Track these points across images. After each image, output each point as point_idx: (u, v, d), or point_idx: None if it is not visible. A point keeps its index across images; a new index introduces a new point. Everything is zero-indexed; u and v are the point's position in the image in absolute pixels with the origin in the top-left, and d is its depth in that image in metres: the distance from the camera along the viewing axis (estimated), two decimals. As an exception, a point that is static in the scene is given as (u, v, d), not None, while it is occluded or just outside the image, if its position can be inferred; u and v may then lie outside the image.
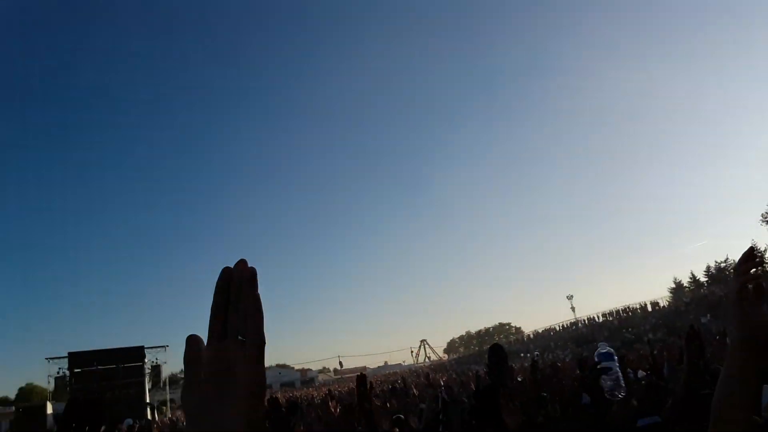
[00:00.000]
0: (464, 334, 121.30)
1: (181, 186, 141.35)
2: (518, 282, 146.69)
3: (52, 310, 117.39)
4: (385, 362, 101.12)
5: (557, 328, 56.15)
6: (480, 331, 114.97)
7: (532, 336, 62.29)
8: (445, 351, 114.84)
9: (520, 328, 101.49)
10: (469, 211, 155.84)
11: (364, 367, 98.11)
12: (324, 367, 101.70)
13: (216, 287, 0.65)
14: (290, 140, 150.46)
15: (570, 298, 58.39)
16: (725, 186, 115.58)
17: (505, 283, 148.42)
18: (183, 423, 21.53)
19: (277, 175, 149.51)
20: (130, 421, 28.27)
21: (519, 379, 7.06)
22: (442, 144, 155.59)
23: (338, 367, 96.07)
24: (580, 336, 45.88)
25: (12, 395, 75.49)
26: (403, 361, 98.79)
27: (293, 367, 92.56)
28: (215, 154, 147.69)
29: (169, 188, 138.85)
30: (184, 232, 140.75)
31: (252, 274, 0.65)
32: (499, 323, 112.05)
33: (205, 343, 0.63)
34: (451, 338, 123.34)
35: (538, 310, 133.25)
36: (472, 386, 6.84)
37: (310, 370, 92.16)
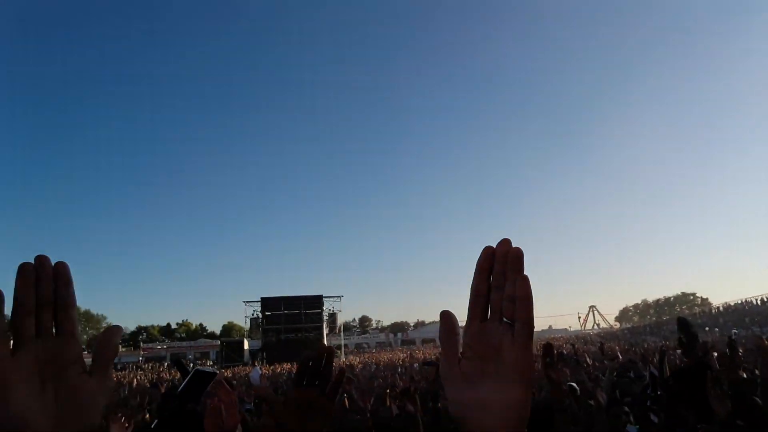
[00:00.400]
0: (640, 302, 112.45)
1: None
2: (708, 247, 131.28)
3: (249, 259, 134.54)
4: (550, 326, 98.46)
5: (755, 302, 48.96)
6: (658, 300, 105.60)
7: (721, 309, 55.41)
8: (617, 319, 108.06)
9: (707, 299, 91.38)
10: (652, 165, 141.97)
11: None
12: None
13: (477, 267, 0.63)
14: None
15: (773, 268, 50.57)
16: None
17: (690, 248, 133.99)
18: (358, 368, 23.67)
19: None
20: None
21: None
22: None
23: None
24: (785, 313, 39.75)
25: (217, 331, 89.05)
26: (569, 327, 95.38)
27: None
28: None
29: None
30: (368, 197, 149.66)
31: (518, 255, 0.64)
32: (682, 293, 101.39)
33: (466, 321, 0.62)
34: (624, 306, 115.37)
35: (731, 279, 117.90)
36: (654, 361, 6.29)
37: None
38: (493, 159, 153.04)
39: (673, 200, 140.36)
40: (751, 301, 49.63)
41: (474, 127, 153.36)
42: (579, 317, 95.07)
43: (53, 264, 0.60)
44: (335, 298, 50.49)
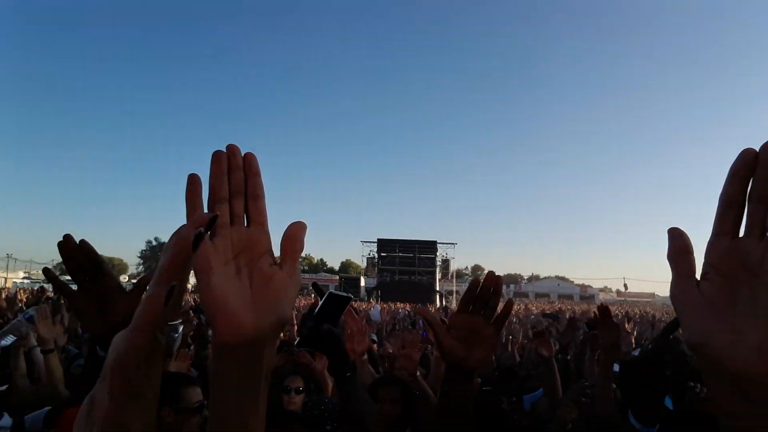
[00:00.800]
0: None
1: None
2: None
3: (367, 202, 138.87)
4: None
5: None
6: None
7: None
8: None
9: None
10: None
11: (652, 294, 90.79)
12: (606, 287, 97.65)
13: (731, 172, 0.53)
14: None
15: None
16: None
17: None
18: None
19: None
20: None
21: None
22: None
23: (622, 289, 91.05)
24: None
25: (336, 266, 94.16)
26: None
27: (572, 281, 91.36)
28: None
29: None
30: (480, 149, 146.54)
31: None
32: None
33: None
34: None
35: None
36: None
37: (591, 287, 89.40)
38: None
39: None
40: None
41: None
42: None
43: (243, 154, 0.60)
44: (449, 245, 50.85)
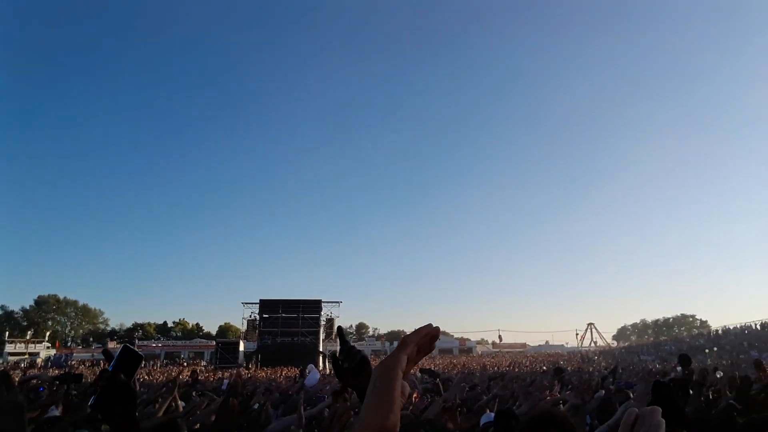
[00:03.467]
0: (638, 321, 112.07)
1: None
2: (710, 269, 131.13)
3: (248, 261, 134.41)
4: (546, 341, 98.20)
5: (754, 326, 48.66)
6: (657, 320, 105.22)
7: (720, 332, 55.02)
8: (614, 337, 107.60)
9: (706, 321, 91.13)
10: (654, 186, 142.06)
11: (524, 344, 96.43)
12: (483, 339, 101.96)
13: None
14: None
15: (774, 294, 50.30)
16: None
17: (693, 269, 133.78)
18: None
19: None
20: (311, 366, 31.63)
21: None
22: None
23: (497, 341, 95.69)
24: (784, 339, 39.55)
25: (214, 331, 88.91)
26: (566, 343, 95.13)
27: (452, 335, 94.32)
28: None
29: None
30: (360, 206, 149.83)
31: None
32: (681, 314, 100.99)
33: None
34: (622, 324, 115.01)
35: (732, 303, 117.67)
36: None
37: (469, 339, 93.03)
38: (497, 174, 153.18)
39: (677, 222, 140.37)
40: (750, 326, 49.33)
41: (482, 142, 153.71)
42: (577, 334, 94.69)
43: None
44: (334, 304, 50.29)
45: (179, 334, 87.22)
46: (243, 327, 51.30)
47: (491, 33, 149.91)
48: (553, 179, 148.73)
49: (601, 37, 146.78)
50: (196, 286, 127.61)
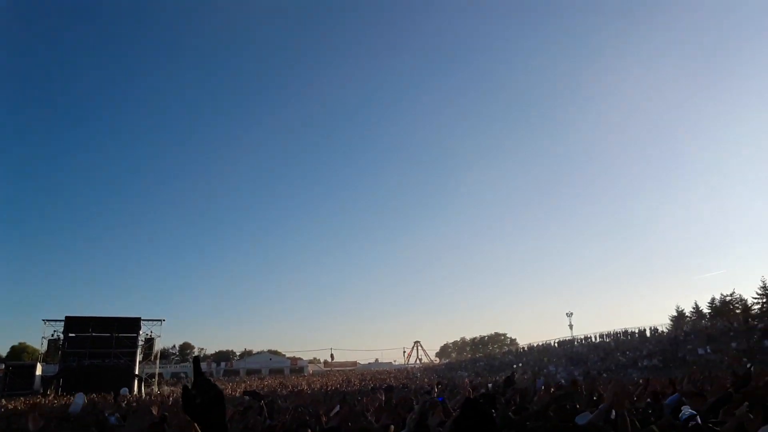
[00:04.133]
0: (459, 339, 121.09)
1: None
2: (518, 294, 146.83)
3: (51, 274, 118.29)
4: (376, 359, 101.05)
5: (553, 344, 55.58)
6: (474, 338, 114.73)
7: (526, 349, 61.79)
8: (437, 354, 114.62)
9: (515, 339, 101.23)
10: (473, 221, 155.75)
11: (355, 363, 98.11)
12: (315, 358, 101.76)
13: None
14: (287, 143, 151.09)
15: (569, 315, 57.93)
16: (748, 216, 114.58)
17: (504, 294, 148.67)
18: (173, 397, 21.64)
19: (276, 173, 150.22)
20: (126, 390, 28.29)
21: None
22: (449, 150, 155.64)
23: (329, 360, 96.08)
24: (575, 354, 45.46)
25: (4, 353, 76.20)
26: (394, 360, 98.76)
27: (284, 355, 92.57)
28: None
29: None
30: (187, 216, 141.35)
31: None
32: (495, 333, 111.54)
33: None
34: (444, 342, 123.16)
35: (536, 323, 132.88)
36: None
37: (301, 359, 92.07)
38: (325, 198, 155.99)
39: (493, 249, 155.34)
40: (550, 343, 56.18)
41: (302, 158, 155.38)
42: (404, 352, 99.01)
43: None
44: (155, 322, 46.10)
45: (-44, 356, 73.18)
46: (43, 348, 44.33)
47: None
48: (380, 208, 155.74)
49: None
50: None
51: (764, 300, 42.80)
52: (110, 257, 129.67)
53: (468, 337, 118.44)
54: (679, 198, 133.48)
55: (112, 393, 26.06)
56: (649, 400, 6.18)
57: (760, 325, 35.61)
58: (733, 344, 32.11)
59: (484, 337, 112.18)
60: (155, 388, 41.36)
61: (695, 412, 3.85)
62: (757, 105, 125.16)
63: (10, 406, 20.01)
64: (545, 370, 38.70)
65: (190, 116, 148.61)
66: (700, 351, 32.73)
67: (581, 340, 51.69)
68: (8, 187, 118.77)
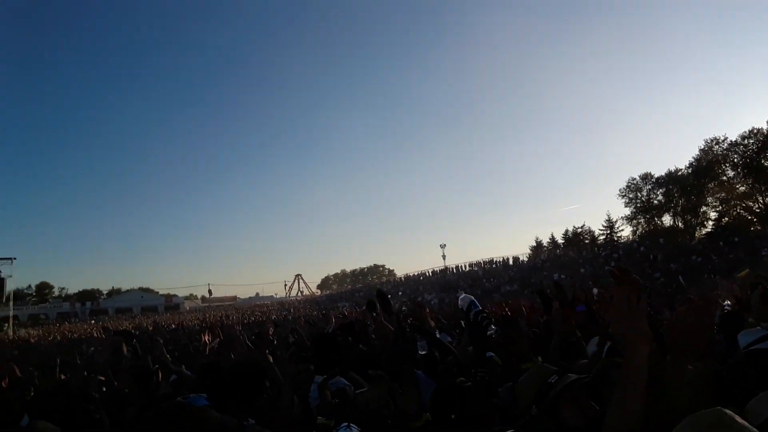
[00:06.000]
0: (339, 272, 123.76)
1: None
2: (397, 227, 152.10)
3: None
4: (257, 293, 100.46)
5: (428, 273, 58.83)
6: (354, 270, 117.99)
7: (403, 279, 64.82)
8: (319, 287, 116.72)
9: (393, 270, 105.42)
10: (354, 154, 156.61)
11: (235, 297, 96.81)
12: (191, 294, 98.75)
13: None
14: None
15: (443, 246, 61.26)
16: (606, 155, 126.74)
17: (384, 227, 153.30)
18: (32, 341, 19.85)
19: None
20: None
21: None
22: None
23: (206, 295, 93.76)
24: (447, 282, 48.68)
25: None
26: (275, 294, 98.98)
27: (157, 292, 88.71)
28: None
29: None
30: (43, 144, 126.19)
31: None
32: (374, 264, 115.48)
33: None
34: (326, 275, 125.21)
35: (412, 255, 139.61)
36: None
37: (176, 296, 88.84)
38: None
39: (372, 187, 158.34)
40: (425, 273, 59.45)
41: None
42: (285, 285, 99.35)
43: None
44: (4, 261, 41.39)
45: None
46: None
47: None
48: (261, 135, 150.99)
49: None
50: None
51: (608, 232, 48.10)
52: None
53: (348, 269, 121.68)
54: (543, 140, 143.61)
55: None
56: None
57: (603, 253, 40.71)
58: (582, 270, 36.31)
59: (364, 268, 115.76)
60: (10, 332, 37.71)
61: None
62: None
63: None
64: (420, 298, 41.08)
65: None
66: (555, 276, 36.59)
67: (452, 269, 55.34)
68: None
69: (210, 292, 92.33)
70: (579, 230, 52.91)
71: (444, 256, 60.39)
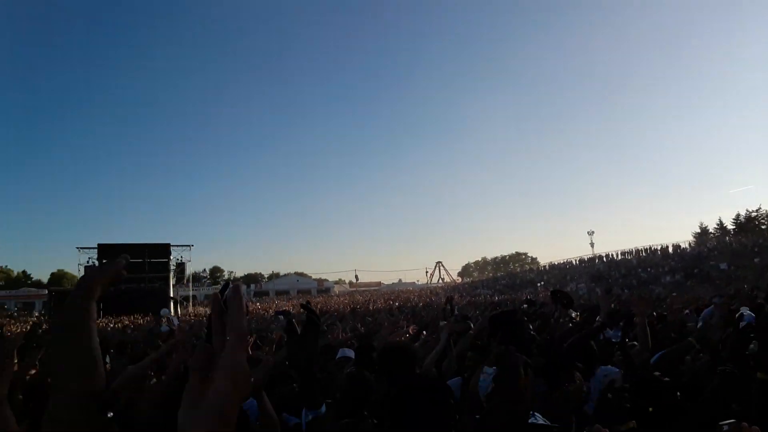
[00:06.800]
0: (480, 259, 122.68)
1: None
2: (539, 213, 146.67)
3: (85, 201, 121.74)
4: (400, 280, 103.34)
5: (574, 262, 55.86)
6: (496, 258, 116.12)
7: (547, 267, 62.27)
8: (459, 274, 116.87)
9: (536, 258, 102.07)
10: (495, 140, 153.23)
11: (379, 283, 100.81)
12: (340, 279, 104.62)
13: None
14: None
15: (591, 233, 57.92)
16: None
17: (525, 213, 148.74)
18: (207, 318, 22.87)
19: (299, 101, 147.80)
20: (166, 310, 29.68)
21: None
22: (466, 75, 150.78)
23: (353, 280, 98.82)
24: (596, 272, 45.75)
25: (45, 279, 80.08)
26: (417, 281, 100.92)
27: (310, 276, 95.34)
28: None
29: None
30: (217, 145, 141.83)
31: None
32: (516, 252, 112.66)
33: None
34: (466, 262, 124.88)
35: (557, 242, 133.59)
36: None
37: (327, 280, 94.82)
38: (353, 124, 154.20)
39: (513, 173, 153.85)
40: (571, 261, 56.52)
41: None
42: (426, 272, 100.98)
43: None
44: (184, 247, 47.67)
45: (2, 283, 77.15)
46: (80, 274, 46.51)
47: None
48: (400, 129, 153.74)
49: None
50: (22, 230, 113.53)
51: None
52: (138, 185, 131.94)
53: (489, 257, 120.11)
54: (704, 113, 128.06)
55: (150, 314, 27.71)
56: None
57: (785, 240, 35.23)
58: (756, 260, 31.96)
59: (506, 256, 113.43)
60: (190, 309, 43.47)
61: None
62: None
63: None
64: (567, 288, 39.31)
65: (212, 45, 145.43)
66: (722, 266, 32.70)
67: (602, 258, 52.01)
68: (42, 117, 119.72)
69: (357, 277, 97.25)
70: (753, 214, 46.88)
71: (592, 244, 57.05)
